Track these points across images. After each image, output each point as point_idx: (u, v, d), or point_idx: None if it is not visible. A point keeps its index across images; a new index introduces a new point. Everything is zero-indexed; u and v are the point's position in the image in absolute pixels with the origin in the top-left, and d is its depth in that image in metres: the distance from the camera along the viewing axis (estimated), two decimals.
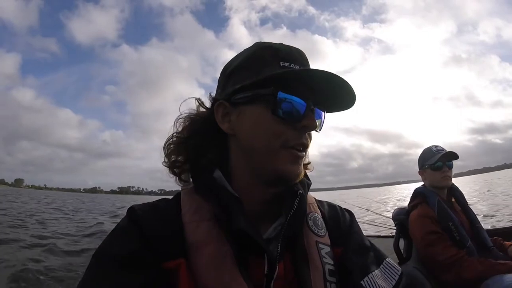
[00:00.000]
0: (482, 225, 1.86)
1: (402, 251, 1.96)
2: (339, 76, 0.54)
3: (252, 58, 0.59)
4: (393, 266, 0.61)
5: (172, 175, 0.64)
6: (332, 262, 0.59)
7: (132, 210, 0.56)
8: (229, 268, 0.49)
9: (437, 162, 1.87)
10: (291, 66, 0.56)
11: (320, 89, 0.57)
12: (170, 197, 0.63)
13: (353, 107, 0.61)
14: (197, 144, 0.61)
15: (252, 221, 0.53)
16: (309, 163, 0.69)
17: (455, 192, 1.95)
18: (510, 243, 1.86)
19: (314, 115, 0.57)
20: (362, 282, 0.56)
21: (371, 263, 0.61)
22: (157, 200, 0.62)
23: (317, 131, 0.60)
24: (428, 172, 1.92)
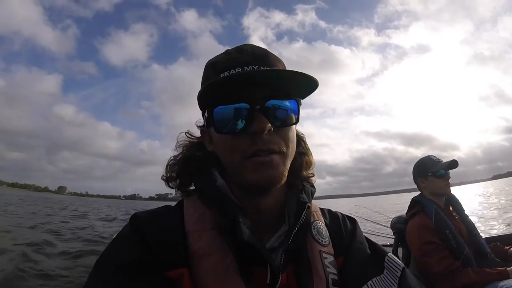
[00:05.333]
0: (479, 232, 1.90)
1: (400, 258, 2.05)
2: (270, 70, 0.55)
3: (202, 81, 0.63)
4: (394, 265, 0.59)
5: (170, 187, 0.65)
6: (335, 272, 0.59)
7: (135, 217, 0.56)
8: (232, 278, 0.49)
9: (440, 170, 1.94)
10: (231, 73, 0.56)
11: (271, 81, 0.55)
12: (174, 203, 0.64)
13: (313, 84, 0.56)
14: (196, 158, 0.63)
15: (255, 231, 0.53)
16: (313, 174, 0.69)
17: (452, 201, 2.00)
18: (509, 247, 1.89)
19: (262, 114, 0.53)
20: None
21: (371, 270, 0.59)
22: (160, 207, 0.61)
23: (288, 125, 0.57)
24: (431, 180, 1.97)
